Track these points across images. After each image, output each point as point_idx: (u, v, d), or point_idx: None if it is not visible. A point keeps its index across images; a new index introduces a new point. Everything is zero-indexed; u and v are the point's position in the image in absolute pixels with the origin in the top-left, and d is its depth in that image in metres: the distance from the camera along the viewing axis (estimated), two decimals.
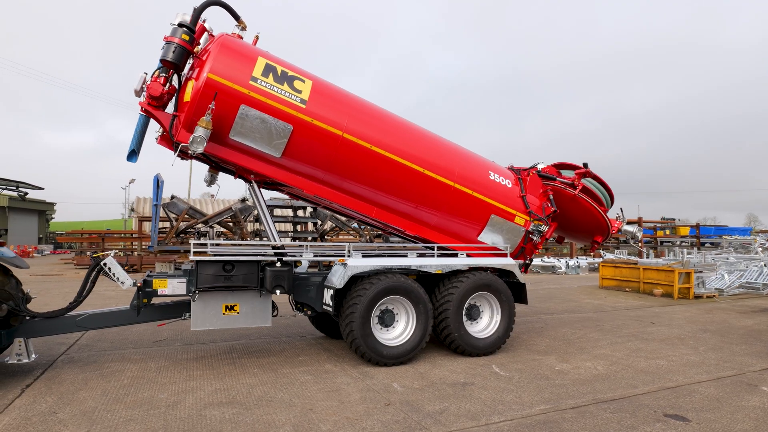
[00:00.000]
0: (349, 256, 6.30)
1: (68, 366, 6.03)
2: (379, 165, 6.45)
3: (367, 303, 6.02)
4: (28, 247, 37.58)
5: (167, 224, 16.78)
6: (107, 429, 4.15)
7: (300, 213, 17.65)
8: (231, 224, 17.06)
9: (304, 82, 6.22)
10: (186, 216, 15.81)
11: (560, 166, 8.52)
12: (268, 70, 6.03)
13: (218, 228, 16.62)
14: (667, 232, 38.56)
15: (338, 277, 6.10)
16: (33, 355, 5.69)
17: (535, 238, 7.36)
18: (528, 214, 7.35)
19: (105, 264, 5.80)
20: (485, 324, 6.91)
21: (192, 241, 5.72)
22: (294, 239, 17.82)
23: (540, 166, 7.91)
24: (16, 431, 4.09)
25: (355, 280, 6.23)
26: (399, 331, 6.37)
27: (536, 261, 21.44)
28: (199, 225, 15.91)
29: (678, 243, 31.67)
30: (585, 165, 7.87)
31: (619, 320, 9.47)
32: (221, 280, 5.65)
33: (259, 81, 5.91)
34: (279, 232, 18.12)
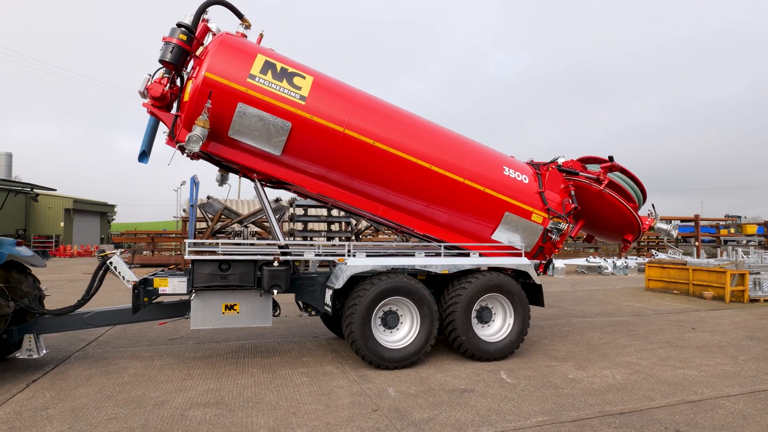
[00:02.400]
0: (350, 256, 6.14)
1: (79, 362, 6.19)
2: (384, 161, 6.25)
3: (367, 304, 5.83)
4: (90, 246, 39.76)
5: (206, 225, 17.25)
6: (88, 426, 4.17)
7: (334, 212, 17.65)
8: (267, 224, 17.27)
9: (304, 78, 6.10)
10: (222, 216, 16.18)
11: (586, 161, 8.01)
12: (267, 67, 5.95)
13: (253, 228, 16.89)
14: (732, 230, 36.01)
15: (338, 277, 5.95)
16: (43, 351, 5.87)
17: (554, 237, 6.92)
18: (546, 211, 6.92)
19: (111, 263, 5.90)
20: (497, 327, 6.56)
21: (186, 241, 5.72)
22: (328, 239, 17.84)
23: (560, 161, 7.45)
24: (4, 425, 4.18)
25: (357, 280, 6.06)
26: (403, 334, 6.15)
27: (581, 261, 20.52)
28: (235, 225, 16.21)
29: (744, 242, 29.50)
30: (610, 158, 7.34)
31: (656, 325, 8.81)
32: (217, 280, 5.62)
33: (257, 78, 5.84)
34: (312, 231, 18.26)
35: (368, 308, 5.84)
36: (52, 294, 11.76)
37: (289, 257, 6.01)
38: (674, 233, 7.67)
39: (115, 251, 6.00)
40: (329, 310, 6.05)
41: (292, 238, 16.67)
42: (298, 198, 13.85)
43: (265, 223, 17.34)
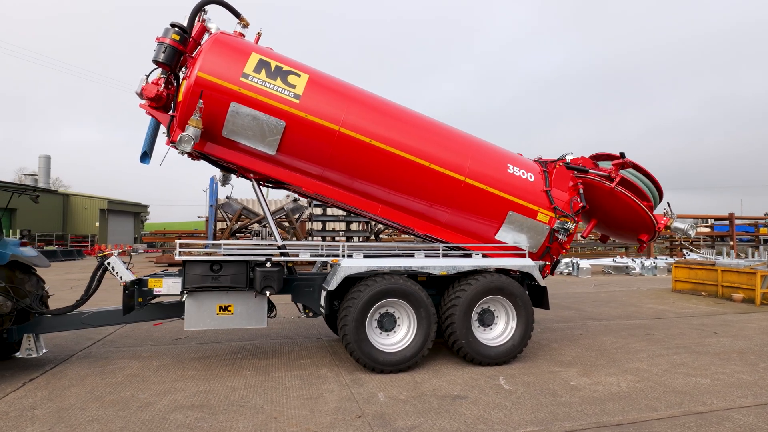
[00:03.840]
0: (346, 256, 6.02)
1: (80, 361, 6.26)
2: (381, 160, 6.11)
3: (361, 306, 5.70)
4: (124, 246, 40.90)
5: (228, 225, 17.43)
6: (68, 428, 4.18)
7: None
8: (287, 224, 17.37)
9: (299, 76, 6.01)
10: (241, 216, 16.32)
11: (598, 157, 7.68)
12: (261, 65, 5.89)
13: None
14: None
15: (332, 279, 5.84)
16: (43, 350, 5.95)
17: (561, 237, 6.64)
18: (553, 210, 6.65)
19: (109, 263, 5.94)
20: (500, 331, 6.33)
21: (177, 241, 5.70)
22: (348, 239, 17.79)
23: (569, 157, 7.14)
24: None
25: (353, 281, 5.94)
26: (400, 337, 5.99)
27: (608, 261, 19.87)
28: (254, 225, 16.35)
29: None
30: (622, 154, 7.00)
31: (676, 329, 8.38)
32: (208, 281, 5.59)
33: (250, 77, 5.78)
34: (331, 231, 18.22)
35: (362, 310, 5.71)
36: (76, 292, 12.04)
37: (281, 258, 5.94)
38: (692, 233, 7.25)
39: (112, 252, 6.04)
40: (322, 311, 5.95)
41: (310, 238, 16.68)
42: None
43: (285, 223, 17.43)
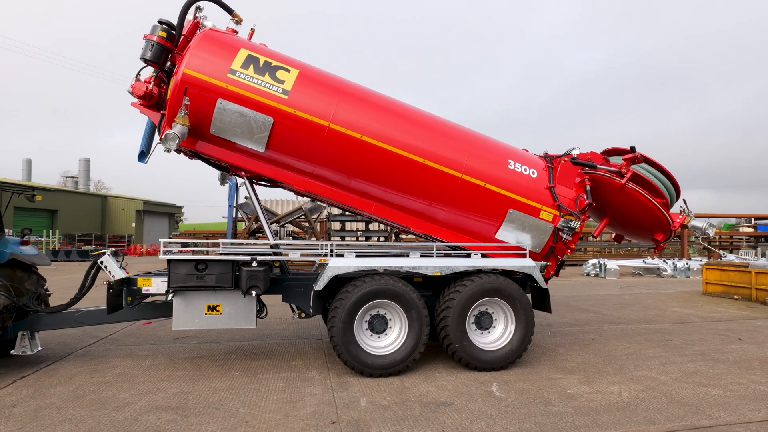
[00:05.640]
0: (335, 256, 5.85)
1: (77, 359, 6.30)
2: (373, 157, 5.92)
3: (349, 307, 5.52)
4: (158, 246, 41.94)
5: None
6: (39, 427, 4.15)
7: None
8: (306, 224, 17.36)
9: (288, 71, 5.89)
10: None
11: (610, 152, 7.27)
12: (250, 61, 5.79)
13: (289, 227, 16.99)
14: None
15: (320, 278, 5.69)
16: (37, 348, 6.01)
17: (565, 236, 6.29)
18: (557, 208, 6.31)
19: (101, 262, 5.95)
20: (499, 334, 6.04)
21: (161, 240, 5.65)
22: (367, 238, 17.65)
23: (575, 152, 6.77)
24: None
25: (344, 282, 5.76)
26: (391, 340, 5.78)
27: (637, 262, 19.07)
28: (273, 225, 16.38)
29: None
30: (632, 148, 6.59)
31: (697, 334, 7.87)
32: (193, 280, 5.51)
33: (237, 73, 5.69)
34: (350, 231, 18.11)
35: (350, 312, 5.53)
36: (99, 290, 12.31)
37: (267, 257, 5.82)
38: (710, 232, 6.77)
39: (105, 251, 6.05)
40: (311, 312, 5.81)
41: (325, 238, 16.62)
42: None
43: (304, 223, 17.43)
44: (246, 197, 16.52)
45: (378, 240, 17.79)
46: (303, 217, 16.96)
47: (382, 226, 18.36)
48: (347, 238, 17.28)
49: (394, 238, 18.58)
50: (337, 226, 17.19)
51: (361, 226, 17.95)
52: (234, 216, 16.41)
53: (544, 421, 4.30)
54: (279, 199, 19.71)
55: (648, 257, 19.48)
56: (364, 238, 17.85)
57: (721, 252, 19.67)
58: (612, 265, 17.78)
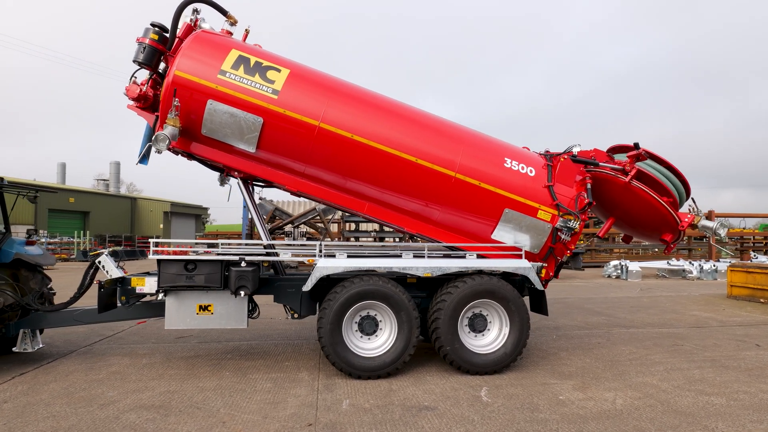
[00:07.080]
0: (321, 256, 5.79)
1: (78, 357, 6.43)
2: (363, 155, 5.86)
3: (336, 308, 5.47)
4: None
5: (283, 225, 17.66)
6: (23, 424, 4.22)
7: None
8: (320, 225, 17.41)
9: (279, 71, 5.88)
10: (274, 217, 16.52)
11: (614, 150, 7.02)
12: (240, 62, 5.81)
13: (303, 228, 17.07)
14: None
15: (308, 279, 5.65)
16: (38, 345, 6.17)
17: (564, 236, 6.09)
18: (555, 207, 6.12)
19: (99, 262, 6.05)
20: (493, 337, 5.89)
21: (151, 240, 5.70)
22: (381, 239, 17.59)
23: (576, 149, 6.55)
24: None
25: (335, 283, 5.71)
26: (381, 341, 5.70)
27: (662, 264, 18.46)
28: (287, 225, 16.49)
29: None
30: (636, 145, 6.34)
31: (711, 340, 7.53)
32: (183, 280, 5.54)
33: (227, 74, 5.71)
34: (365, 232, 18.08)
35: (338, 313, 5.47)
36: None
37: (256, 258, 5.81)
38: (722, 232, 6.46)
39: (103, 251, 6.14)
40: (302, 312, 5.77)
41: (339, 239, 16.62)
42: None
43: (319, 224, 17.49)
44: (261, 198, 16.69)
45: (393, 241, 17.71)
46: (317, 217, 17.01)
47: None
48: (361, 239, 17.26)
49: (408, 239, 18.48)
50: (351, 226, 17.19)
51: (376, 227, 17.90)
52: (249, 217, 16.57)
53: (526, 428, 4.15)
54: (293, 200, 19.81)
55: (673, 258, 18.84)
56: (378, 239, 17.80)
57: (752, 253, 18.86)
58: (634, 266, 17.26)
